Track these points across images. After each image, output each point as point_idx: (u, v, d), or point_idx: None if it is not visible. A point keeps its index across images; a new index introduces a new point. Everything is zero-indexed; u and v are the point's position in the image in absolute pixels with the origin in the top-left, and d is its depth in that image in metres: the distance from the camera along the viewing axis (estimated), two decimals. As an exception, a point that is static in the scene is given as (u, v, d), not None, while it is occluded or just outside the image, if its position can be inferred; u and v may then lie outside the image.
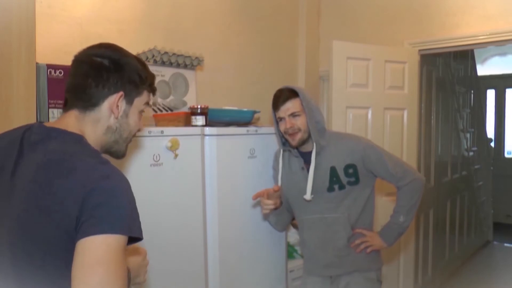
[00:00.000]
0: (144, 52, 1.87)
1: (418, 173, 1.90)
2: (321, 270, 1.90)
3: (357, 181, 1.80)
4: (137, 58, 1.07)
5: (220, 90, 2.61)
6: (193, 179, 1.76)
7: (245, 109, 2.06)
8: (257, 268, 1.99)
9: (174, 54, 1.92)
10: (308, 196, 1.77)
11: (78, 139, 0.95)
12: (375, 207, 1.94)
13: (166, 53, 1.89)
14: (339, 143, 1.83)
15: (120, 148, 1.07)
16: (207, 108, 1.84)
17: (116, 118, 1.02)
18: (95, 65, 1.00)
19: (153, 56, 1.86)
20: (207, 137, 1.79)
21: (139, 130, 1.12)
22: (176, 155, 1.68)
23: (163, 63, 1.91)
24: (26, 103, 1.43)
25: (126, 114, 1.04)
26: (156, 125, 1.88)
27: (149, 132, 1.62)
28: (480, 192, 5.19)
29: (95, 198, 0.83)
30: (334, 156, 1.79)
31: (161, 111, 1.92)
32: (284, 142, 1.87)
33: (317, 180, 1.78)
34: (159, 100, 1.92)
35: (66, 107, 1.03)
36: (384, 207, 1.91)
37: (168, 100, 1.96)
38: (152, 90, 1.11)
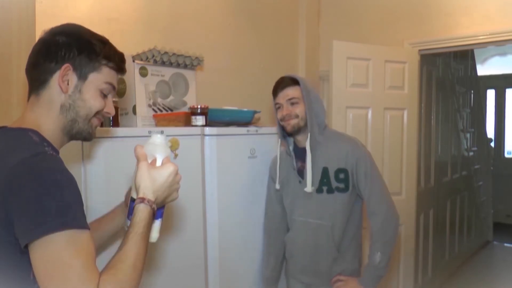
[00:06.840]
0: (144, 52, 1.87)
1: (395, 210, 1.76)
2: (297, 275, 1.88)
3: (346, 189, 1.74)
4: (97, 35, 1.01)
5: (220, 90, 2.61)
6: (193, 179, 1.76)
7: (245, 109, 2.06)
8: (257, 268, 1.99)
9: (174, 54, 1.91)
10: (309, 188, 1.74)
11: (20, 135, 0.91)
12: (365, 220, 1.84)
13: (166, 53, 1.89)
14: (336, 143, 1.77)
15: (81, 127, 1.00)
16: (207, 108, 1.84)
17: (65, 92, 0.96)
18: (47, 42, 0.96)
19: (153, 56, 1.86)
20: (207, 137, 1.79)
21: (108, 114, 1.04)
22: (176, 155, 1.68)
23: (163, 63, 1.91)
24: (26, 103, 1.42)
25: (79, 90, 0.97)
26: (156, 125, 1.88)
27: (149, 132, 1.62)
28: (480, 192, 5.19)
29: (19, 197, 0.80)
30: (329, 157, 1.75)
31: (161, 111, 1.92)
32: (285, 135, 1.84)
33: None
34: (159, 100, 1.92)
35: (29, 93, 1.00)
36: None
37: (168, 100, 1.96)
38: (118, 69, 1.03)
